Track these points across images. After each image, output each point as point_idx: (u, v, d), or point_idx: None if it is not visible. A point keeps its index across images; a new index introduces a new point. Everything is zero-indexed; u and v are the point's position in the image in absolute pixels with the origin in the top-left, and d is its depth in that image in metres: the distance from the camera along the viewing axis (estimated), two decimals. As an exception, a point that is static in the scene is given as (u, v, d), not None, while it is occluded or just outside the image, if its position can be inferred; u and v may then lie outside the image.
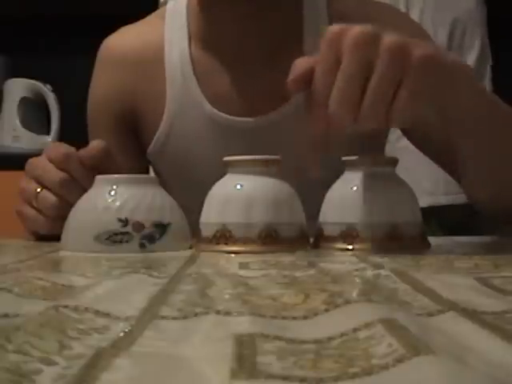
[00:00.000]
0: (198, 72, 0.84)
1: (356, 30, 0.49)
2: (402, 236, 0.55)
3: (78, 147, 0.68)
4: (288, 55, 0.81)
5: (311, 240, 0.59)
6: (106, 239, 0.56)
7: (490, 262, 0.46)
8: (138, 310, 0.28)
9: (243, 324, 0.25)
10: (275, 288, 0.34)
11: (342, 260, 0.49)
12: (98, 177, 0.60)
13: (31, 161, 0.68)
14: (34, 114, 2.12)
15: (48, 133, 2.10)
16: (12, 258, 0.51)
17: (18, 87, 2.11)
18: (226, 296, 0.32)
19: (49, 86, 2.09)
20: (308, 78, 0.51)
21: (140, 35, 0.88)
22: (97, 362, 0.20)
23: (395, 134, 1.14)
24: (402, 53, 0.48)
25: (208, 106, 0.82)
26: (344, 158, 0.60)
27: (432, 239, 0.60)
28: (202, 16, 0.84)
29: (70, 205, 0.61)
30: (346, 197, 0.57)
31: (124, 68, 0.87)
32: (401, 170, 0.59)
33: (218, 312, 0.27)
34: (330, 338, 0.23)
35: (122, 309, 0.28)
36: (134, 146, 0.90)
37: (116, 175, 0.60)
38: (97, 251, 0.55)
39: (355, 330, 0.24)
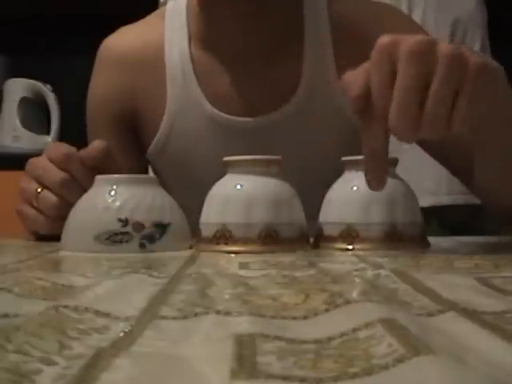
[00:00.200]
0: (199, 72, 0.84)
1: (410, 40, 0.48)
2: (401, 236, 0.55)
3: (78, 147, 0.68)
4: (288, 55, 0.82)
5: (311, 240, 0.59)
6: (106, 239, 0.56)
7: (490, 261, 0.46)
8: (138, 310, 0.28)
9: (243, 324, 0.25)
10: (275, 288, 0.34)
11: (342, 260, 0.49)
12: (98, 177, 0.60)
13: (31, 161, 0.68)
14: (34, 114, 2.12)
15: (48, 133, 2.10)
16: (12, 258, 0.51)
17: (18, 87, 2.11)
18: (226, 296, 0.32)
19: (49, 86, 2.09)
20: (367, 94, 0.50)
21: (140, 35, 0.88)
22: (97, 362, 0.20)
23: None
24: (459, 63, 0.48)
25: (208, 106, 0.82)
26: (344, 158, 0.60)
27: (432, 239, 0.60)
28: (201, 16, 0.84)
29: (71, 205, 0.61)
30: (345, 197, 0.57)
31: (124, 68, 0.87)
32: (401, 170, 0.59)
33: (218, 312, 0.27)
34: (330, 338, 0.23)
35: (122, 309, 0.28)
36: (133, 146, 0.90)
37: (116, 175, 0.60)
38: (97, 251, 0.55)
39: (355, 329, 0.24)
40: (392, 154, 0.52)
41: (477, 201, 0.78)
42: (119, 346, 0.22)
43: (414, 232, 0.57)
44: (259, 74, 0.82)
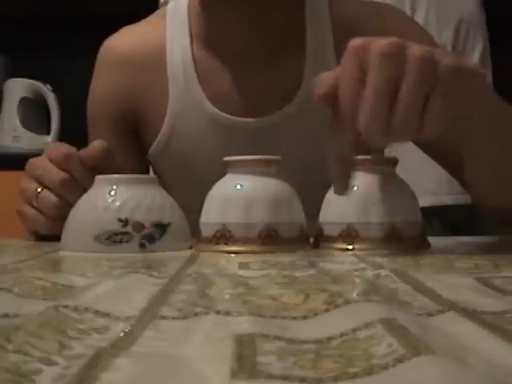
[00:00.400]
0: (200, 72, 0.84)
1: (380, 43, 0.48)
2: (401, 236, 0.55)
3: (78, 147, 0.68)
4: (290, 55, 0.82)
5: (311, 240, 0.59)
6: (106, 239, 0.56)
7: (490, 262, 0.46)
8: (138, 310, 0.28)
9: (243, 324, 0.25)
10: (275, 288, 0.34)
11: (342, 260, 0.49)
12: (98, 177, 0.60)
13: (31, 161, 0.69)
14: (34, 114, 2.12)
15: (48, 133, 2.10)
16: (12, 258, 0.51)
17: (18, 87, 2.11)
18: (226, 296, 0.32)
19: (49, 86, 2.09)
20: (334, 92, 0.50)
21: (141, 35, 0.88)
22: (97, 361, 0.20)
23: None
24: (429, 65, 0.47)
25: (210, 106, 0.82)
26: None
27: (432, 239, 0.60)
28: (203, 16, 0.84)
29: (71, 205, 0.61)
30: (346, 197, 0.57)
31: (125, 69, 0.87)
32: (401, 170, 0.59)
33: (218, 312, 0.27)
34: (330, 338, 0.23)
35: (122, 309, 0.28)
36: (134, 147, 0.90)
37: (116, 175, 0.60)
38: (97, 251, 0.55)
39: (355, 329, 0.24)
40: (392, 153, 0.53)
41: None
42: (119, 345, 0.22)
43: (414, 232, 0.57)
44: (261, 75, 0.82)
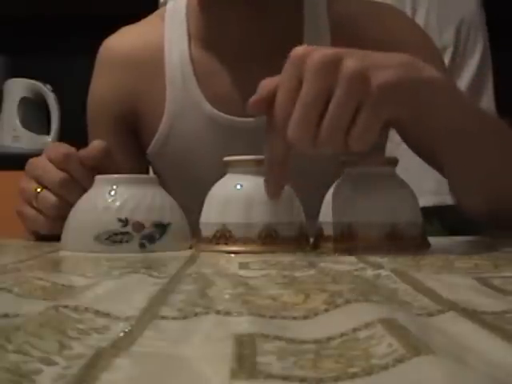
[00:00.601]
0: (198, 72, 0.84)
1: (317, 53, 0.49)
2: (402, 236, 0.55)
3: (78, 147, 0.68)
4: (288, 56, 0.82)
5: (311, 240, 0.59)
6: (106, 239, 0.56)
7: (490, 262, 0.46)
8: (138, 310, 0.28)
9: (243, 324, 0.25)
10: (275, 288, 0.34)
11: (342, 260, 0.49)
12: (98, 177, 0.60)
13: (31, 161, 0.68)
14: (34, 114, 2.12)
15: (48, 133, 2.10)
16: (12, 258, 0.51)
17: (18, 87, 2.11)
18: (226, 296, 0.32)
19: (49, 86, 2.09)
20: (272, 99, 0.51)
21: (141, 35, 0.88)
22: (97, 362, 0.20)
23: (398, 136, 1.14)
24: (360, 80, 0.48)
25: (208, 106, 0.82)
26: (344, 158, 0.60)
27: (432, 239, 0.60)
28: (201, 16, 0.84)
29: (70, 205, 0.61)
30: (345, 197, 0.57)
31: (124, 69, 0.87)
32: (401, 170, 0.59)
33: (218, 312, 0.27)
34: (330, 338, 0.23)
35: (122, 309, 0.28)
36: (133, 147, 0.90)
37: (116, 175, 0.60)
38: (97, 251, 0.55)
39: (355, 329, 0.24)
40: (392, 153, 0.53)
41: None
42: (119, 345, 0.22)
43: (414, 232, 0.57)
44: (259, 75, 0.81)
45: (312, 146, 0.50)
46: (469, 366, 0.20)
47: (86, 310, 0.27)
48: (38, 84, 2.09)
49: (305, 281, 0.37)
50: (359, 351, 0.21)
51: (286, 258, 0.49)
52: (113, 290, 0.34)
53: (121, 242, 0.56)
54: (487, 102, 1.41)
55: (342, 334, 0.24)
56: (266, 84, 0.53)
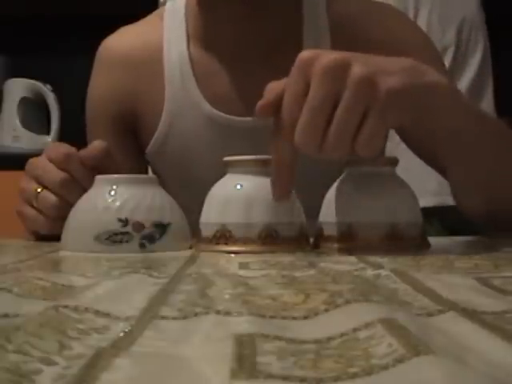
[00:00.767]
0: (197, 72, 0.84)
1: (325, 58, 0.49)
2: (402, 236, 0.55)
3: (78, 147, 0.68)
4: (287, 55, 0.82)
5: (311, 240, 0.59)
6: (106, 239, 0.56)
7: (490, 262, 0.46)
8: (138, 310, 0.28)
9: (243, 324, 0.25)
10: (275, 288, 0.34)
11: (342, 260, 0.49)
12: (98, 177, 0.60)
13: (31, 161, 0.69)
14: (34, 114, 2.12)
15: (48, 133, 2.10)
16: (12, 258, 0.51)
17: (18, 87, 2.11)
18: (226, 296, 0.32)
19: (49, 86, 2.09)
20: (279, 103, 0.51)
21: (140, 35, 0.88)
22: (97, 362, 0.20)
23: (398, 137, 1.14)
24: (368, 85, 0.48)
25: (207, 106, 0.82)
26: (344, 158, 0.60)
27: (432, 239, 0.60)
28: (200, 16, 0.84)
29: (70, 205, 0.61)
30: (346, 197, 0.57)
31: (123, 69, 0.87)
32: (401, 170, 0.59)
33: (218, 312, 0.27)
34: (330, 338, 0.23)
35: (122, 309, 0.28)
36: (133, 147, 0.90)
37: (116, 175, 0.60)
38: (97, 251, 0.55)
39: (355, 329, 0.24)
40: (392, 153, 0.53)
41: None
42: (119, 345, 0.22)
43: (414, 232, 0.57)
44: (258, 74, 0.82)
45: (319, 150, 0.50)
46: (469, 365, 0.20)
47: (86, 310, 0.27)
48: (38, 84, 2.09)
49: (305, 281, 0.37)
50: (359, 351, 0.21)
51: (286, 258, 0.49)
52: (113, 290, 0.34)
53: (121, 241, 0.56)
54: (487, 101, 1.41)
55: (342, 334, 0.24)
56: (273, 87, 0.53)
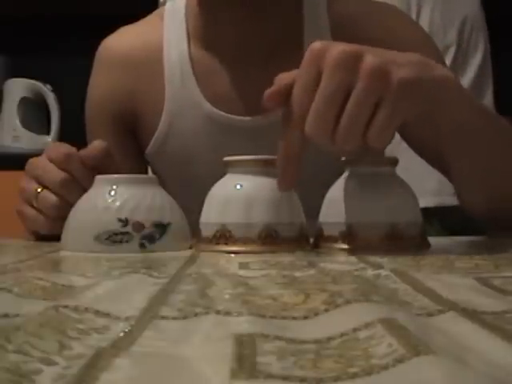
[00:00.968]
0: (198, 72, 0.84)
1: (337, 49, 0.49)
2: (402, 236, 0.55)
3: (78, 147, 0.68)
4: (288, 55, 0.82)
5: (311, 240, 0.59)
6: (106, 239, 0.56)
7: (490, 261, 0.46)
8: (138, 310, 0.28)
9: (243, 324, 0.25)
10: (275, 288, 0.34)
11: (342, 260, 0.49)
12: (98, 177, 0.60)
13: (31, 161, 0.69)
14: (34, 114, 2.12)
15: (48, 133, 2.10)
16: (12, 258, 0.51)
17: (18, 87, 2.12)
18: (226, 296, 0.32)
19: (49, 86, 2.09)
20: (288, 93, 0.51)
21: (139, 35, 0.88)
22: (97, 362, 0.20)
23: (399, 135, 1.14)
24: (380, 76, 0.48)
25: (207, 106, 0.82)
26: (344, 158, 0.60)
27: (432, 239, 0.60)
28: (200, 16, 0.84)
29: (71, 205, 0.61)
30: (346, 197, 0.57)
31: (123, 69, 0.87)
32: (401, 170, 0.59)
33: (218, 312, 0.27)
34: (330, 338, 0.23)
35: (122, 309, 0.28)
36: (132, 147, 0.90)
37: (116, 175, 0.60)
38: (97, 251, 0.55)
39: (355, 329, 0.24)
40: (392, 153, 0.53)
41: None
42: (119, 345, 0.22)
43: (414, 232, 0.57)
44: (259, 74, 0.82)
45: (330, 140, 0.49)
46: (469, 365, 0.20)
47: (86, 310, 0.27)
48: (38, 84, 2.09)
49: (305, 281, 0.37)
50: (359, 351, 0.21)
51: (286, 258, 0.49)
52: (113, 290, 0.34)
53: (121, 241, 0.56)
54: (487, 101, 1.41)
55: (342, 334, 0.24)
56: (283, 78, 0.52)
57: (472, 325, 0.25)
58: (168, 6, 0.89)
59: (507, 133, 0.65)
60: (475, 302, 0.29)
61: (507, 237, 0.63)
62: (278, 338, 0.23)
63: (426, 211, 0.60)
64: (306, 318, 0.27)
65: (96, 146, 0.67)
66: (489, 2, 1.51)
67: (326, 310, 0.28)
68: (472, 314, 0.27)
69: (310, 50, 0.50)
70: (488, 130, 0.61)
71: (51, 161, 0.66)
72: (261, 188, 0.56)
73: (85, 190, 0.61)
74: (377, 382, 0.19)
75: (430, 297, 0.31)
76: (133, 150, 0.90)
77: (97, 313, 0.27)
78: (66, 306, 0.27)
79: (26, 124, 2.09)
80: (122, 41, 0.89)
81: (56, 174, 0.65)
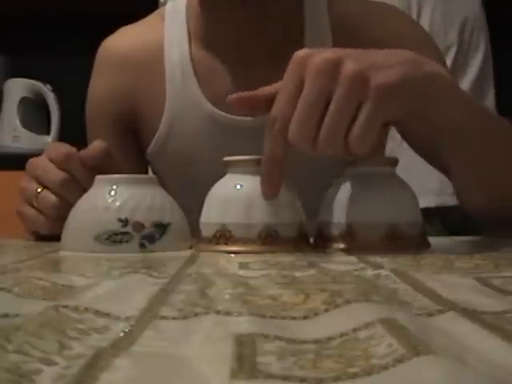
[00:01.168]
0: (198, 72, 0.84)
1: (319, 57, 0.49)
2: (402, 236, 0.55)
3: (78, 147, 0.68)
4: (289, 55, 0.82)
5: (311, 240, 0.59)
6: (106, 239, 0.56)
7: (490, 261, 0.46)
8: (138, 310, 0.28)
9: (243, 324, 0.25)
10: (275, 288, 0.34)
11: (342, 260, 0.49)
12: (98, 177, 0.60)
13: (31, 161, 0.69)
14: (34, 114, 2.12)
15: (48, 133, 2.10)
16: (12, 258, 0.51)
17: (18, 87, 2.12)
18: (226, 296, 0.32)
19: (49, 86, 2.10)
20: (272, 99, 0.52)
21: (140, 36, 0.88)
22: (97, 362, 0.20)
23: (399, 136, 1.14)
24: (360, 81, 0.49)
25: (208, 106, 0.82)
26: (344, 158, 0.60)
27: (432, 239, 0.60)
28: (201, 16, 0.84)
29: (71, 205, 0.61)
30: (345, 197, 0.57)
31: (123, 69, 0.87)
32: (401, 170, 0.59)
33: (218, 312, 0.27)
34: (330, 338, 0.23)
35: (122, 309, 0.28)
36: (133, 147, 0.90)
37: (116, 175, 0.60)
38: (97, 251, 0.55)
39: (355, 329, 0.24)
40: (393, 153, 0.53)
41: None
42: (119, 345, 0.22)
43: (414, 232, 0.57)
44: (260, 75, 0.82)
45: (312, 146, 0.50)
46: (469, 366, 0.20)
47: (86, 310, 0.27)
48: (38, 84, 2.09)
49: (305, 281, 0.37)
50: (359, 351, 0.21)
51: (286, 258, 0.49)
52: (113, 290, 0.34)
53: (121, 241, 0.56)
54: (489, 103, 1.41)
55: (342, 334, 0.24)
56: (265, 88, 0.54)
57: (472, 325, 0.25)
58: (169, 6, 0.89)
59: (507, 133, 0.65)
60: (475, 302, 0.29)
61: (507, 237, 0.63)
62: (277, 338, 0.23)
63: (427, 211, 0.60)
64: (305, 317, 0.27)
65: (96, 146, 0.67)
66: (489, 2, 1.51)
67: (326, 310, 0.28)
68: (472, 314, 0.27)
69: (294, 58, 0.51)
70: (487, 130, 0.61)
71: (51, 161, 0.66)
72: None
73: (85, 190, 0.61)
74: (377, 382, 0.19)
75: (430, 297, 0.31)
76: (133, 150, 0.90)
77: (97, 313, 0.27)
78: (66, 306, 0.27)
79: (25, 124, 2.09)
80: (122, 41, 0.89)
81: (56, 174, 0.65)
